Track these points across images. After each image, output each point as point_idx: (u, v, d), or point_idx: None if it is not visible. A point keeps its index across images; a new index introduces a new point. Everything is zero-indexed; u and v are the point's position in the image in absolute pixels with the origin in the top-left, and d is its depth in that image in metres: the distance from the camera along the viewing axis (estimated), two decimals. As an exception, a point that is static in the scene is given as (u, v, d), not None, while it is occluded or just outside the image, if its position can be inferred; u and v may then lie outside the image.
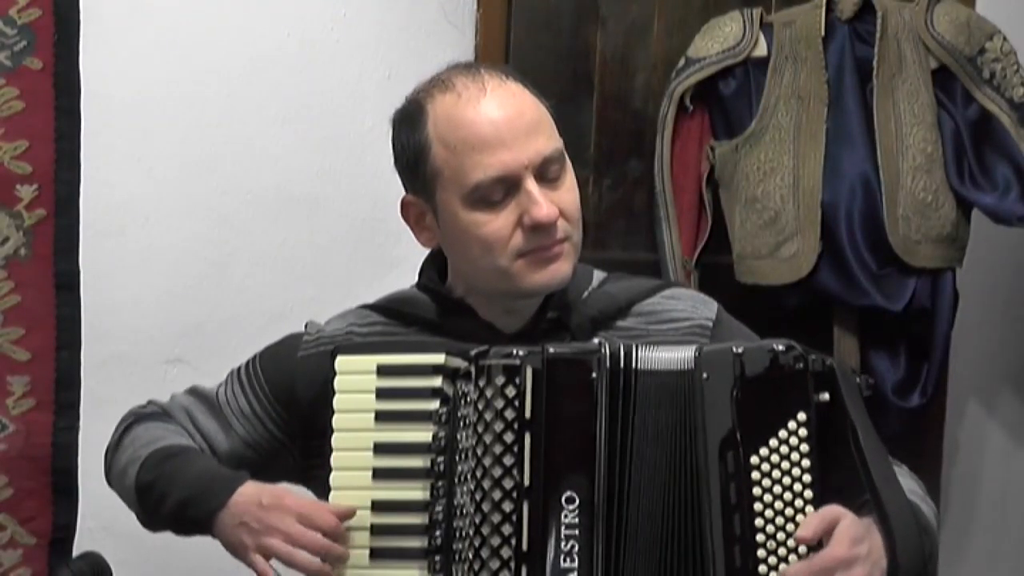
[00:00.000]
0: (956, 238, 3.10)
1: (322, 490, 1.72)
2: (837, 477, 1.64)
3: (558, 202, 1.74)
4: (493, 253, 1.74)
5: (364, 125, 2.94)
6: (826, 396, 1.63)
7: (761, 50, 3.11)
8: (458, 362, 1.67)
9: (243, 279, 2.92)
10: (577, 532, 1.61)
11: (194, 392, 1.95)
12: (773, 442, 1.62)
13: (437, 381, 1.67)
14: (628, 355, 1.66)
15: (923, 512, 1.71)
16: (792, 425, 1.62)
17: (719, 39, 3.10)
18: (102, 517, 2.73)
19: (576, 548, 1.61)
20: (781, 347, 1.64)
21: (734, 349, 1.64)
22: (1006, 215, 3.08)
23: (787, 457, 1.61)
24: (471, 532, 1.62)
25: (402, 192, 1.84)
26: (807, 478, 1.61)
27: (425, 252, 1.91)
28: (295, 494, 1.73)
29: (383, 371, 1.70)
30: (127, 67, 2.80)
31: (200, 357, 2.86)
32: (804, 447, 1.61)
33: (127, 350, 2.82)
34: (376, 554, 1.67)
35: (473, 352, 1.66)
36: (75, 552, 2.68)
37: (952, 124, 3.09)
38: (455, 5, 3.04)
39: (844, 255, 3.03)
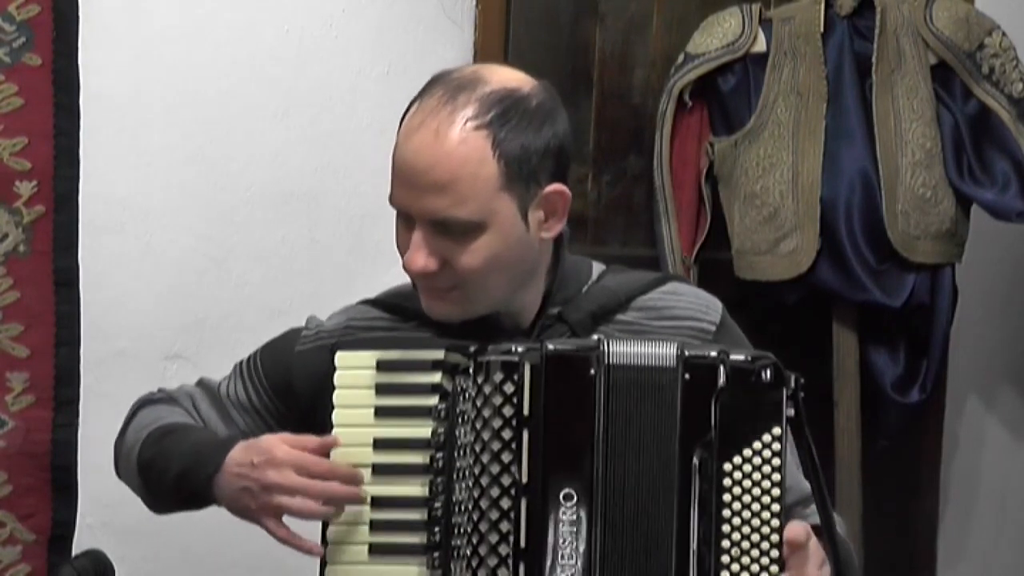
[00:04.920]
0: (955, 234, 3.10)
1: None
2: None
3: (450, 258, 1.70)
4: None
5: (363, 121, 2.93)
6: (792, 412, 1.64)
7: (760, 46, 3.11)
8: (457, 358, 1.66)
9: (242, 275, 2.92)
10: (575, 529, 1.61)
11: (200, 383, 1.96)
12: (747, 452, 1.62)
13: (436, 377, 1.67)
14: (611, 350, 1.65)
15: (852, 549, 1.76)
16: (767, 438, 1.62)
17: (718, 35, 3.10)
18: (101, 514, 2.73)
19: (574, 545, 1.61)
20: (762, 358, 1.64)
21: (718, 353, 1.64)
22: (1005, 211, 3.08)
23: (759, 468, 1.62)
24: (469, 528, 1.62)
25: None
26: (776, 492, 1.62)
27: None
28: (283, 445, 1.69)
29: (382, 367, 1.70)
30: (126, 64, 2.80)
31: (199, 353, 2.86)
32: (776, 461, 1.62)
33: (126, 346, 2.82)
34: (375, 550, 1.66)
35: (472, 348, 1.66)
36: (75, 549, 2.68)
37: (951, 120, 3.09)
38: (454, 1, 3.04)
39: (843, 251, 3.03)
